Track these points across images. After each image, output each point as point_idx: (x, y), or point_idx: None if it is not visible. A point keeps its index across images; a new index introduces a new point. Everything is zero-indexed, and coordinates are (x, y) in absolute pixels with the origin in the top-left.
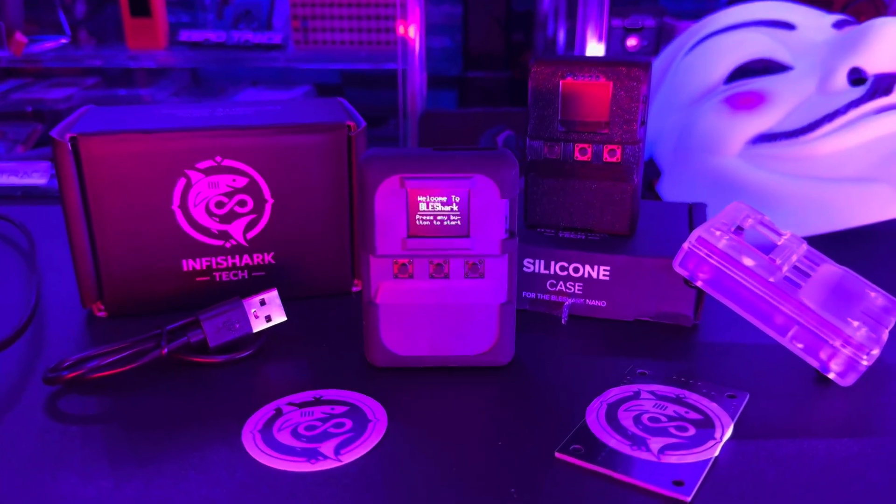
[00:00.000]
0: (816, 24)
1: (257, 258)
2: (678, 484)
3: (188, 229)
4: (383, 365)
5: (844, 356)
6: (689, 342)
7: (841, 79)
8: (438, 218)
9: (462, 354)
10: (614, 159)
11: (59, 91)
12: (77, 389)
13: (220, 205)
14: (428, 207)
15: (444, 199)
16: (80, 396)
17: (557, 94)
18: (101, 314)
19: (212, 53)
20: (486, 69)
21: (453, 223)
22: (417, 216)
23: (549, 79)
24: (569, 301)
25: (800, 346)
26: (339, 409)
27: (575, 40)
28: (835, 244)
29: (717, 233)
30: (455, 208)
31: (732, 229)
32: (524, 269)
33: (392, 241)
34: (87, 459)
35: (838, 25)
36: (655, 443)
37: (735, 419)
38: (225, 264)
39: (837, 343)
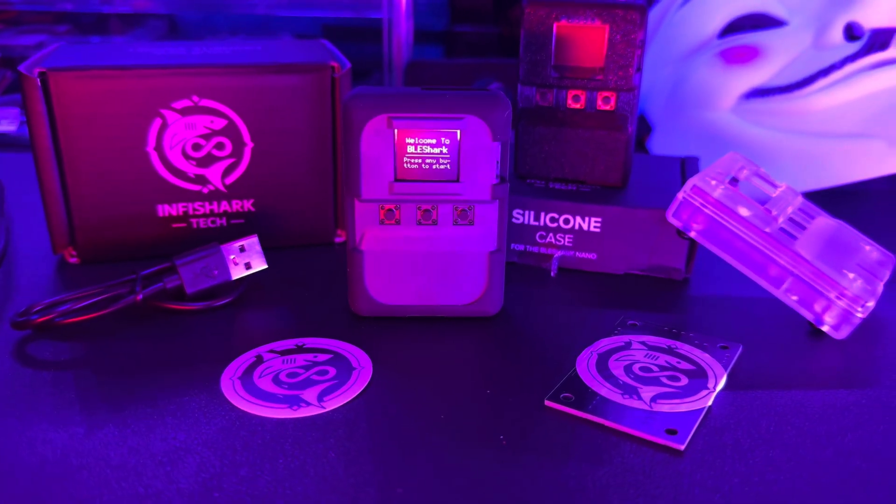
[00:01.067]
0: None
1: (236, 205)
2: (671, 432)
3: (164, 172)
4: (368, 314)
5: (839, 308)
6: (681, 295)
7: (836, 33)
8: (427, 161)
9: (449, 304)
10: (608, 107)
11: (28, 38)
12: (48, 335)
13: (196, 147)
14: (416, 150)
15: (434, 140)
16: (51, 342)
17: (551, 38)
18: (73, 260)
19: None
20: (473, 23)
21: (442, 167)
22: (405, 159)
23: (543, 21)
24: (558, 253)
25: (794, 297)
26: (322, 357)
27: None
28: (827, 201)
29: (713, 182)
30: (444, 151)
31: (728, 180)
32: (513, 220)
33: (378, 184)
34: (59, 405)
35: None
36: (647, 392)
37: (728, 370)
38: (202, 210)
39: (832, 295)
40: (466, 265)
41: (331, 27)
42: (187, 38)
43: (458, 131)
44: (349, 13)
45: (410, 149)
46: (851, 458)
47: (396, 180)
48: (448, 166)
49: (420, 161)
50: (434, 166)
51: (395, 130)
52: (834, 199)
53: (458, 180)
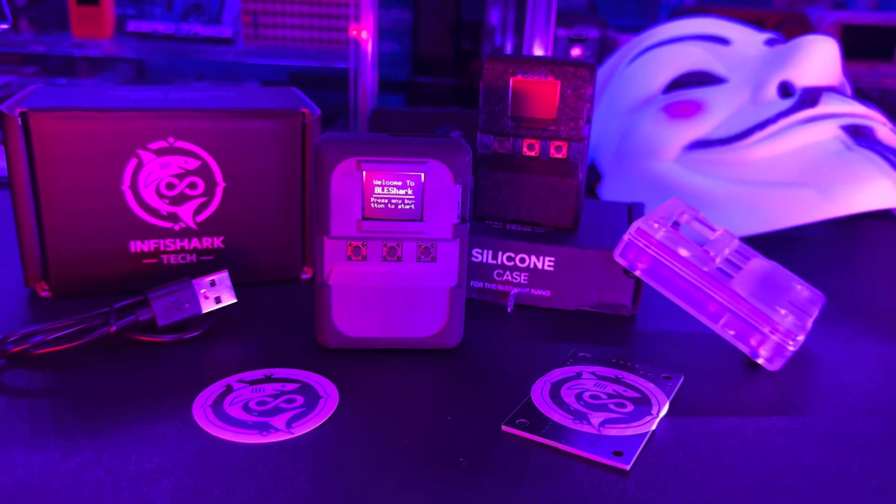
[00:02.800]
0: (749, 41)
1: (206, 242)
2: (618, 454)
3: (137, 210)
4: (334, 346)
5: (773, 342)
6: (628, 330)
7: (771, 91)
8: (393, 201)
9: (412, 337)
10: (560, 155)
11: None
12: (22, 364)
13: (170, 186)
14: (383, 191)
15: (399, 182)
16: (26, 371)
17: (508, 91)
18: (45, 294)
19: (160, 45)
20: (434, 75)
21: (407, 207)
22: (372, 199)
23: (501, 76)
24: (515, 290)
25: (731, 332)
26: (290, 387)
27: (522, 51)
28: (765, 245)
29: (655, 225)
30: (409, 192)
31: (670, 223)
32: (472, 258)
33: (346, 223)
34: (34, 431)
35: (770, 43)
36: (596, 417)
37: (671, 398)
38: (173, 247)
39: (766, 329)
40: (429, 299)
41: (297, 74)
42: (155, 82)
43: (423, 174)
44: (316, 63)
45: (378, 189)
46: (783, 476)
47: (364, 219)
48: (412, 206)
49: (386, 201)
50: (399, 206)
51: (364, 172)
52: (771, 244)
53: (421, 219)
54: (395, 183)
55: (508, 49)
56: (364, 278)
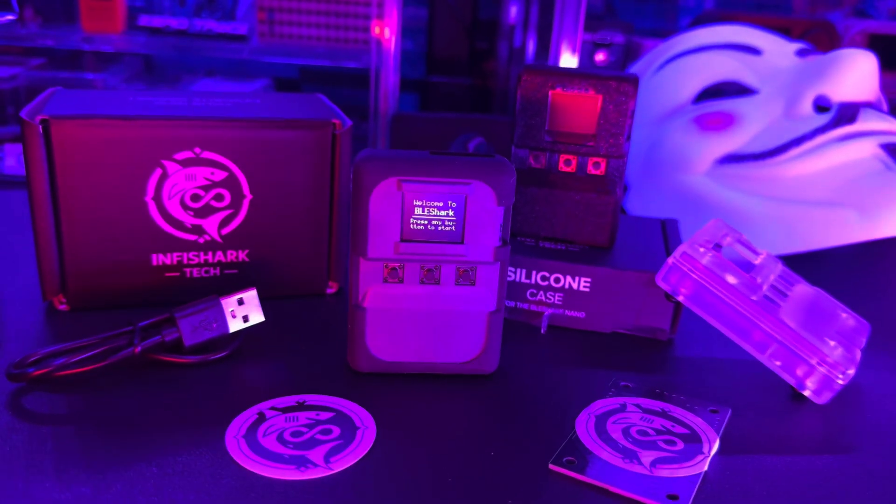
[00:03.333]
0: (780, 51)
1: (231, 255)
2: (673, 498)
3: (160, 222)
4: (367, 370)
5: (821, 374)
6: (666, 356)
7: (807, 105)
8: (433, 223)
9: (447, 362)
10: (598, 171)
11: (2, 70)
12: (44, 387)
13: (195, 198)
14: (423, 212)
15: (441, 203)
16: (48, 395)
17: (546, 105)
18: (63, 307)
19: (172, 41)
20: (448, 74)
21: (448, 228)
22: (412, 220)
23: (539, 88)
24: (548, 311)
25: (777, 363)
26: (325, 416)
27: (547, 52)
28: (796, 265)
29: (701, 250)
30: (451, 214)
31: (713, 246)
32: None
33: (384, 244)
34: (62, 462)
35: (801, 53)
36: (646, 456)
37: (720, 434)
38: (196, 260)
39: (814, 361)
40: (466, 324)
41: (308, 70)
42: (162, 77)
43: (465, 195)
44: (332, 63)
45: (418, 210)
46: None
47: (402, 240)
48: (453, 228)
49: (426, 222)
50: (439, 228)
51: (404, 193)
52: (802, 263)
53: (462, 242)
54: (436, 204)
55: (530, 50)
56: (400, 301)
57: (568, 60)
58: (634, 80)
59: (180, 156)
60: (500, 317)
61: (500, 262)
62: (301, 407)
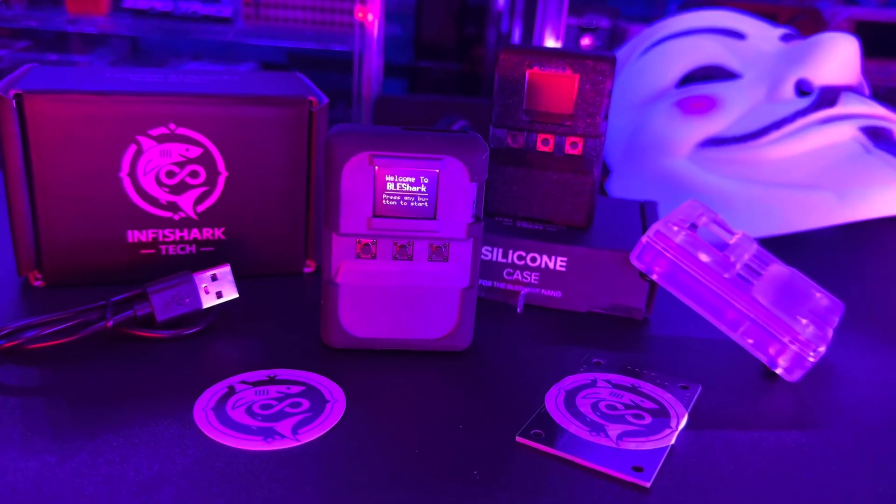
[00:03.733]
0: (765, 35)
1: (207, 233)
2: (637, 470)
3: (135, 198)
4: (340, 346)
5: (792, 352)
6: (641, 334)
7: (788, 89)
8: (405, 199)
9: (420, 338)
10: (576, 151)
11: None
12: (14, 359)
13: (170, 174)
14: (395, 187)
15: (413, 179)
16: (19, 367)
17: (523, 84)
18: (38, 283)
19: (157, 23)
20: (437, 60)
21: (420, 204)
22: (384, 196)
23: (517, 67)
24: (525, 290)
25: (750, 341)
26: (295, 389)
27: (531, 37)
28: (772, 246)
29: (675, 228)
30: (423, 189)
31: (688, 226)
32: (482, 257)
33: (357, 219)
34: (29, 432)
35: (785, 38)
36: (613, 429)
37: (689, 409)
38: (172, 237)
39: (786, 339)
40: (439, 300)
41: (297, 56)
42: (149, 60)
43: (437, 171)
44: (318, 45)
45: (390, 186)
46: (806, 496)
47: (375, 216)
48: (426, 204)
49: (399, 198)
50: (412, 203)
51: (376, 168)
52: (779, 245)
53: (434, 218)
54: (408, 179)
55: (516, 36)
56: (373, 277)
57: (551, 45)
58: (612, 60)
59: (155, 132)
60: (473, 293)
61: (473, 239)
62: (272, 381)
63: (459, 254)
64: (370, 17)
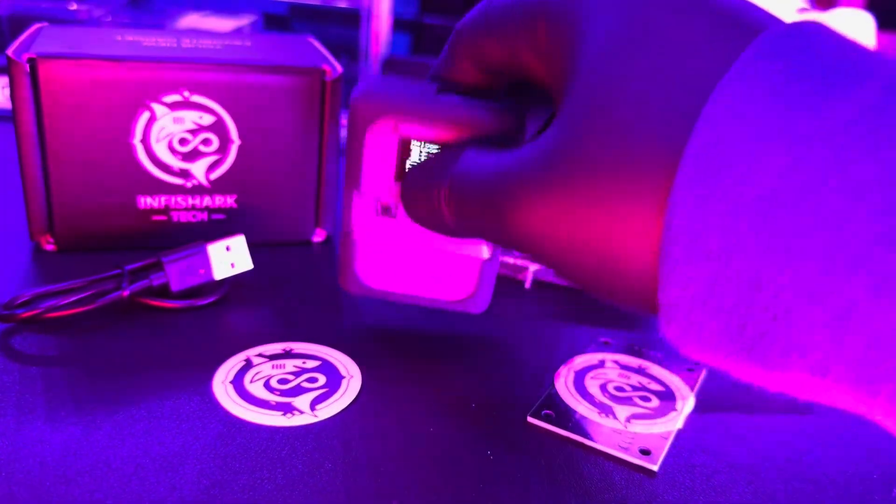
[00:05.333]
0: (782, 6)
1: (218, 200)
2: (645, 453)
3: (147, 165)
4: (355, 293)
5: None
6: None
7: None
8: None
9: (435, 297)
10: None
11: None
12: (32, 328)
13: (183, 142)
14: (420, 154)
15: (439, 148)
16: (37, 335)
17: None
18: (50, 247)
19: None
20: (443, 14)
21: None
22: (408, 161)
23: None
24: (534, 266)
25: None
26: (312, 363)
27: None
28: None
29: None
30: None
31: None
32: None
33: (379, 181)
34: (52, 403)
35: (801, 11)
36: (622, 411)
37: (695, 391)
38: (184, 204)
39: None
40: (458, 267)
41: (298, 6)
42: (149, 8)
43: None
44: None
45: (414, 152)
46: (808, 484)
47: (398, 180)
48: None
49: None
50: None
51: (401, 134)
52: None
53: None
54: (433, 148)
55: None
56: (392, 236)
57: None
58: None
59: (168, 98)
60: (494, 265)
61: None
62: (288, 355)
63: None
64: None
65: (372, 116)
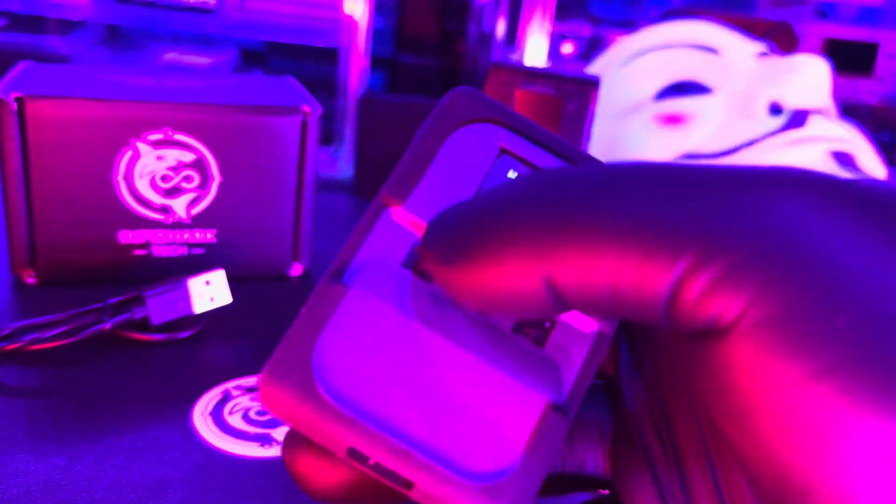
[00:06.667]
0: (741, 52)
1: (198, 235)
2: None
3: (130, 201)
4: (288, 409)
5: None
6: None
7: (761, 108)
8: None
9: (443, 458)
10: None
11: None
12: (15, 360)
13: (165, 178)
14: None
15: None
16: (20, 368)
17: (511, 103)
18: (31, 281)
19: (138, 10)
20: (418, 54)
21: None
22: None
23: (506, 85)
24: None
25: None
26: None
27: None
28: None
29: None
30: None
31: None
32: None
33: (435, 202)
34: (36, 435)
35: (761, 56)
36: None
37: None
38: (164, 239)
39: None
40: (504, 407)
41: (275, 44)
42: (128, 44)
43: None
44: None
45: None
46: None
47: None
48: None
49: None
50: None
51: (499, 145)
52: None
53: None
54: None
55: (499, 35)
56: (412, 309)
57: (535, 46)
58: (595, 84)
59: (152, 137)
60: (564, 423)
61: (599, 331)
62: None
63: (567, 345)
64: (357, 10)
65: (467, 114)
